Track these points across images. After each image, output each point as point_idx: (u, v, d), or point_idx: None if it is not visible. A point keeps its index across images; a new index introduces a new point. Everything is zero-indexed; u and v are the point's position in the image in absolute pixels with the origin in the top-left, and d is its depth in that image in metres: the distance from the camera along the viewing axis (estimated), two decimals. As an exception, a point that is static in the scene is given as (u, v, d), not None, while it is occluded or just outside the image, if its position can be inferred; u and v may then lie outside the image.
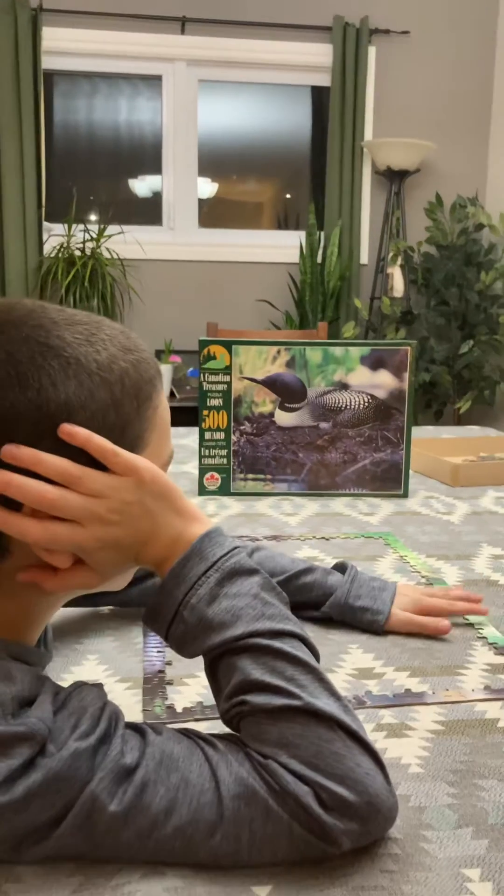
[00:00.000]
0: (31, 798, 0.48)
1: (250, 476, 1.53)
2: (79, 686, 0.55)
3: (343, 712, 0.54)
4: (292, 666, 0.55)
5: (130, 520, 0.56)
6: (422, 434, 2.15)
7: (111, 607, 0.96)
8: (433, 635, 0.91)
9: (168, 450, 0.63)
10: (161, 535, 0.58)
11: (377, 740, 0.69)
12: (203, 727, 0.70)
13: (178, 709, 0.74)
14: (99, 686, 0.56)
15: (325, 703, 0.54)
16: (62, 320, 0.56)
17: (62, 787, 0.49)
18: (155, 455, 0.60)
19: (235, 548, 0.59)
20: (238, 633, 0.55)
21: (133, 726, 0.54)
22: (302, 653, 0.56)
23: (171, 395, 3.75)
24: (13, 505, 0.54)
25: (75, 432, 0.54)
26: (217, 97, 3.98)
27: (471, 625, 0.94)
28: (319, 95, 4.03)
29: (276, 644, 0.56)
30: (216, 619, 0.56)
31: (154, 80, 3.90)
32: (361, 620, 0.91)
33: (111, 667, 0.82)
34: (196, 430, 2.17)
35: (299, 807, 0.51)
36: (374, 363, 1.50)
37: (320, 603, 0.92)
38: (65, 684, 0.76)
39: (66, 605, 0.78)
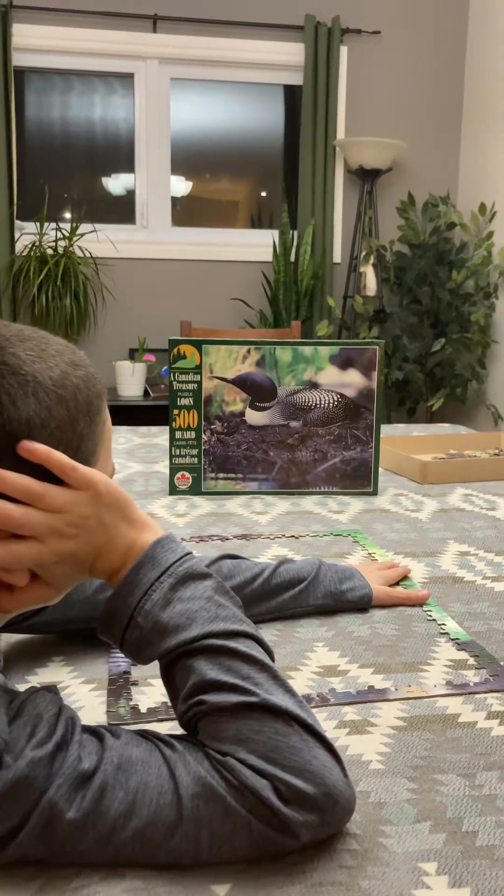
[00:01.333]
0: None
1: (221, 475, 1.53)
2: (32, 692, 0.55)
3: (298, 707, 0.55)
4: (247, 665, 0.56)
5: (86, 533, 0.56)
6: (393, 432, 2.17)
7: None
8: (397, 630, 0.92)
9: (111, 462, 0.63)
10: (115, 545, 0.58)
11: (339, 738, 0.70)
12: (167, 727, 0.71)
13: (143, 709, 0.74)
14: (53, 690, 0.56)
15: (280, 699, 0.55)
16: (12, 336, 0.56)
17: (20, 796, 0.49)
18: (103, 468, 0.60)
19: (187, 553, 0.60)
20: (193, 635, 0.56)
21: (90, 730, 0.54)
22: (256, 652, 0.57)
23: (146, 393, 3.74)
24: None
25: (34, 449, 0.53)
26: (190, 95, 3.97)
27: (433, 620, 0.96)
28: (292, 94, 4.04)
29: (231, 644, 0.56)
30: (171, 623, 0.56)
31: (127, 78, 3.88)
32: (352, 601, 0.97)
33: (76, 668, 0.82)
34: (166, 428, 2.17)
35: (258, 801, 0.51)
36: (344, 362, 1.51)
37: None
38: (30, 685, 0.76)
39: (10, 631, 0.78)
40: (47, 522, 0.54)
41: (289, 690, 0.56)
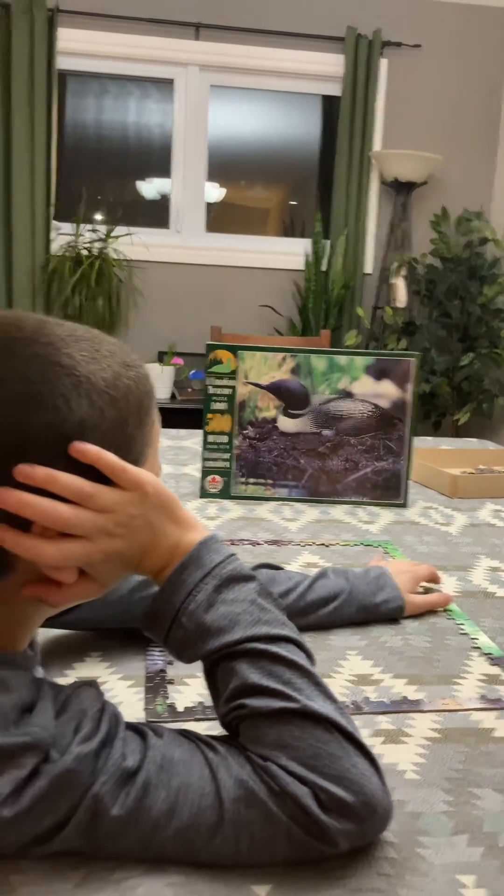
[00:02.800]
0: (37, 805, 0.49)
1: (251, 480, 1.54)
2: (76, 687, 0.56)
3: (339, 715, 0.55)
4: (289, 670, 0.56)
5: (134, 532, 0.57)
6: (421, 445, 2.17)
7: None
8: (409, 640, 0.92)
9: (158, 462, 0.64)
10: (160, 544, 0.59)
11: (374, 746, 0.70)
12: (203, 727, 0.71)
13: (180, 708, 0.75)
14: (95, 686, 0.57)
15: (321, 706, 0.55)
16: (67, 336, 0.56)
17: (66, 791, 0.49)
18: (150, 468, 0.61)
19: (232, 555, 0.60)
20: (236, 637, 0.56)
21: (133, 727, 0.55)
22: (298, 657, 0.57)
23: (173, 396, 3.76)
24: (19, 524, 0.54)
25: (86, 450, 0.54)
26: (228, 102, 4.00)
27: (466, 634, 0.96)
28: (329, 105, 4.05)
29: (273, 648, 0.57)
30: (214, 625, 0.57)
31: (164, 84, 3.92)
32: (385, 613, 0.97)
33: (114, 664, 0.83)
34: (197, 432, 2.19)
35: (298, 808, 0.51)
36: (379, 373, 1.52)
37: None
38: (67, 681, 0.77)
39: (43, 626, 0.79)
40: (96, 522, 0.55)
41: (330, 697, 0.57)
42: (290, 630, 0.59)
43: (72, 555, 0.55)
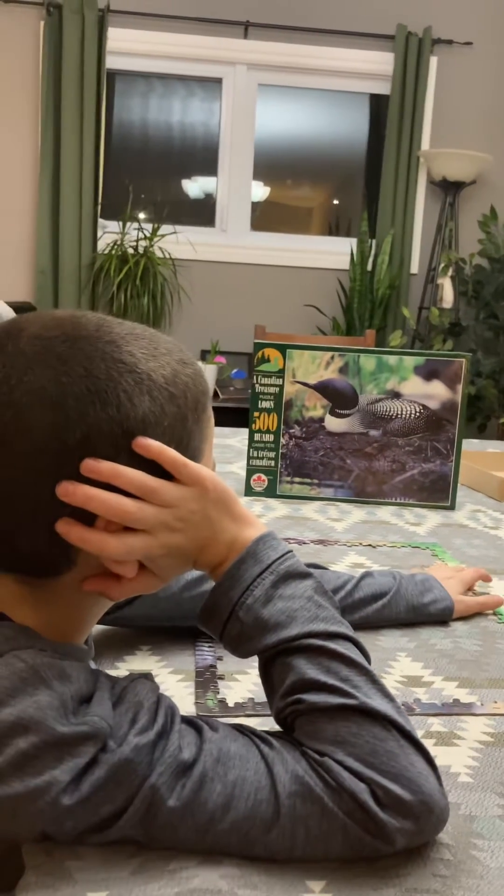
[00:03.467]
0: (96, 794, 0.49)
1: (297, 479, 1.54)
2: (133, 679, 0.56)
3: (396, 713, 0.55)
4: (347, 667, 0.56)
5: (193, 527, 0.58)
6: (468, 447, 2.14)
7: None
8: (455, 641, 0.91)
9: (212, 458, 0.64)
10: (218, 539, 0.59)
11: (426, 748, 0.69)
12: (254, 723, 0.71)
13: (230, 703, 0.75)
14: (150, 678, 0.58)
15: (379, 704, 0.55)
16: (126, 334, 0.57)
17: (123, 781, 0.50)
18: (206, 463, 0.62)
19: (289, 551, 0.61)
20: (293, 633, 0.57)
21: (188, 721, 0.55)
22: (355, 655, 0.58)
23: (215, 395, 3.78)
24: (83, 519, 0.54)
25: (149, 445, 0.55)
26: (275, 101, 4.00)
27: (519, 640, 0.94)
28: (378, 103, 4.03)
29: (331, 645, 0.57)
30: (271, 620, 0.57)
31: (210, 83, 3.93)
32: (433, 614, 0.96)
33: (164, 658, 0.83)
34: (241, 430, 2.19)
35: (355, 804, 0.51)
36: (428, 374, 1.50)
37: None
38: (118, 674, 0.78)
39: (102, 623, 0.80)
40: (158, 517, 0.56)
41: (387, 695, 0.57)
42: (346, 628, 0.59)
43: (134, 548, 0.56)
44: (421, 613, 0.96)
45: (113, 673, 0.79)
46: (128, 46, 3.76)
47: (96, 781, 0.50)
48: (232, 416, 3.54)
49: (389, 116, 3.84)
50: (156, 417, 0.55)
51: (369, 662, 0.59)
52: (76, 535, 0.54)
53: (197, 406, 0.59)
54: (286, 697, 0.56)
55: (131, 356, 0.56)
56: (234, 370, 3.87)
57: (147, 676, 0.58)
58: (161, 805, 0.51)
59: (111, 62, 3.79)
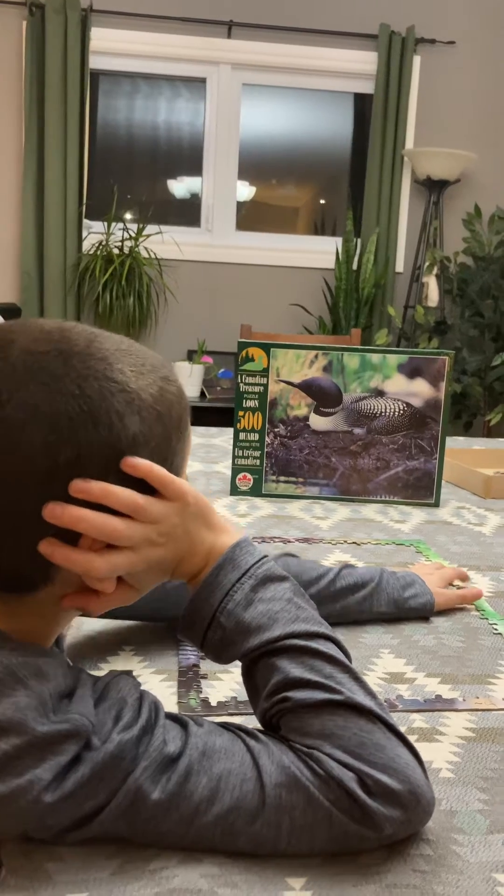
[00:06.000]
0: (79, 791, 0.50)
1: (282, 478, 1.54)
2: (114, 676, 0.57)
3: (379, 708, 0.56)
4: (330, 665, 0.57)
5: (174, 540, 0.58)
6: (453, 444, 2.15)
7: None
8: (453, 640, 0.91)
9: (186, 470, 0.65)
10: (196, 550, 0.60)
11: (408, 744, 0.70)
12: (237, 722, 0.72)
13: (213, 703, 0.75)
14: (131, 675, 0.58)
15: (363, 699, 0.56)
16: (116, 350, 0.56)
17: (107, 777, 0.50)
18: (184, 477, 0.62)
19: (265, 556, 0.62)
20: (276, 634, 0.57)
21: (173, 717, 0.56)
22: (337, 653, 0.58)
23: (202, 395, 3.77)
24: (66, 537, 0.54)
25: (137, 464, 0.55)
26: (260, 101, 4.00)
27: (500, 634, 0.95)
28: (362, 102, 4.04)
29: (313, 644, 0.57)
30: (254, 623, 0.58)
31: (195, 83, 3.93)
32: (415, 608, 0.97)
33: (147, 658, 0.83)
34: (227, 430, 2.19)
35: (343, 791, 0.52)
36: (412, 371, 1.51)
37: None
38: (101, 674, 0.78)
39: (84, 616, 0.80)
40: (144, 533, 0.56)
41: (370, 692, 0.57)
42: (326, 628, 0.60)
43: (119, 566, 0.55)
44: (402, 608, 0.96)
45: (96, 674, 0.79)
46: (111, 46, 3.75)
47: (80, 779, 0.50)
48: (219, 416, 3.54)
49: (373, 116, 3.84)
50: (145, 438, 0.55)
51: (350, 660, 0.59)
52: (61, 555, 0.54)
53: (180, 424, 0.60)
54: (271, 697, 0.57)
55: (122, 374, 0.55)
56: (221, 370, 3.87)
57: (128, 674, 0.58)
58: (145, 799, 0.51)
59: (95, 62, 3.78)
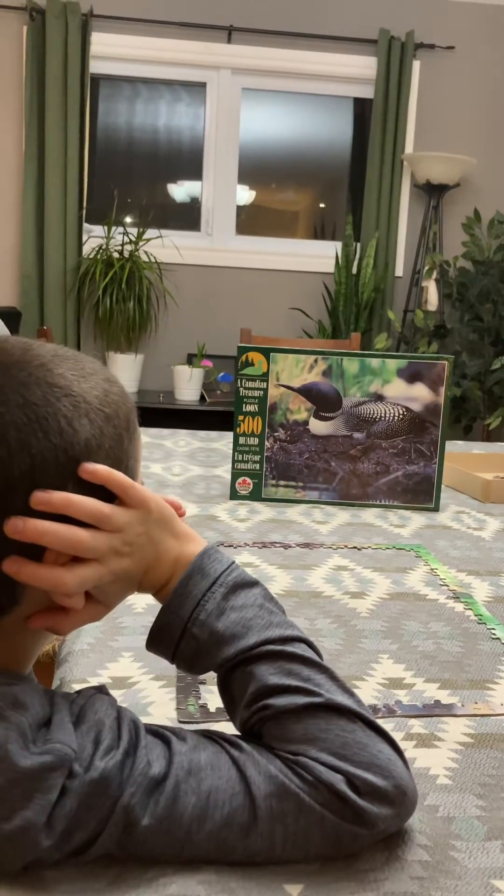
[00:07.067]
0: (69, 824, 0.48)
1: (282, 482, 1.54)
2: (90, 696, 0.55)
3: (358, 706, 0.56)
4: (307, 667, 0.57)
5: (139, 549, 0.57)
6: (452, 449, 2.15)
7: (143, 607, 0.97)
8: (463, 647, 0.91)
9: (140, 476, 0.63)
10: (162, 559, 0.58)
11: (406, 750, 0.70)
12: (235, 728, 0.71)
13: (212, 708, 0.75)
14: (106, 691, 0.56)
15: (342, 698, 0.56)
16: (53, 356, 0.55)
17: (94, 806, 0.49)
18: (139, 482, 0.60)
19: (233, 562, 0.61)
20: (251, 642, 0.56)
21: (154, 732, 0.54)
22: (312, 655, 0.58)
23: (202, 399, 3.78)
24: (29, 554, 0.52)
25: (96, 470, 0.53)
26: (260, 105, 4.01)
27: (498, 639, 0.95)
28: (362, 107, 4.04)
29: (288, 649, 0.57)
30: (227, 632, 0.57)
31: (195, 87, 3.94)
32: None
33: (146, 665, 0.83)
34: (227, 434, 2.19)
35: (333, 794, 0.52)
36: (411, 376, 1.51)
37: None
38: (100, 680, 0.78)
39: None
40: (109, 543, 0.55)
41: (347, 690, 0.57)
42: (299, 631, 0.60)
43: (88, 579, 0.54)
44: None
45: (94, 679, 0.79)
46: (111, 51, 3.76)
47: (68, 814, 0.48)
48: (219, 420, 3.54)
49: (373, 120, 3.85)
50: (97, 441, 0.54)
51: (322, 661, 0.59)
52: (27, 573, 0.52)
53: (129, 425, 0.58)
54: (251, 706, 0.56)
55: (63, 378, 0.54)
56: (221, 374, 3.87)
57: (102, 689, 0.56)
58: (136, 825, 0.50)
59: (95, 67, 3.78)
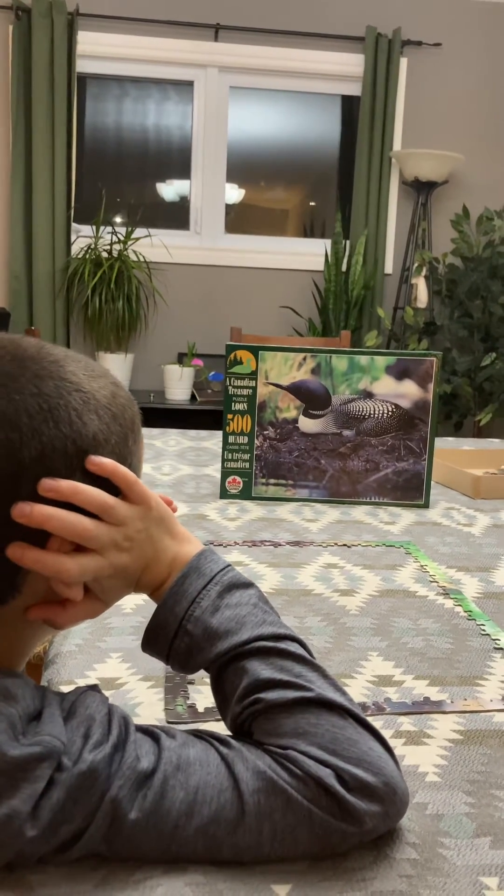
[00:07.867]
0: (55, 817, 0.48)
1: (272, 481, 1.54)
2: (81, 693, 0.55)
3: (350, 703, 0.56)
4: (299, 664, 0.57)
5: (138, 546, 0.58)
6: (443, 445, 2.15)
7: (131, 608, 0.97)
8: (453, 644, 0.91)
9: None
10: (160, 559, 0.60)
11: (395, 748, 0.69)
12: (223, 727, 0.71)
13: (200, 708, 0.74)
14: (98, 690, 0.56)
15: (333, 695, 0.56)
16: (66, 356, 0.57)
17: (81, 798, 0.49)
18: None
19: (229, 564, 0.62)
20: (244, 638, 0.57)
21: (144, 730, 0.54)
22: (304, 653, 0.59)
23: (192, 398, 3.77)
24: (33, 541, 0.53)
25: (103, 463, 0.55)
26: (247, 104, 4.00)
27: (487, 635, 0.95)
28: (349, 105, 4.04)
29: (281, 645, 0.58)
30: (221, 628, 0.57)
31: (183, 86, 3.93)
32: None
33: (134, 665, 0.83)
34: (217, 433, 2.19)
35: (321, 789, 0.52)
36: (400, 373, 1.51)
37: None
38: (88, 681, 0.77)
39: None
40: (111, 535, 0.56)
41: (339, 688, 0.58)
42: (291, 630, 0.60)
43: (88, 568, 0.55)
44: None
45: (83, 681, 0.79)
46: (98, 50, 3.75)
47: (55, 805, 0.48)
48: (209, 419, 3.54)
49: (361, 117, 3.85)
50: (104, 436, 0.56)
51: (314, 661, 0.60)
52: (31, 557, 0.53)
53: (134, 427, 0.60)
54: (242, 701, 0.56)
55: (75, 375, 0.56)
56: (212, 373, 3.86)
57: (94, 688, 0.57)
58: (123, 818, 0.50)
59: (82, 66, 3.77)
